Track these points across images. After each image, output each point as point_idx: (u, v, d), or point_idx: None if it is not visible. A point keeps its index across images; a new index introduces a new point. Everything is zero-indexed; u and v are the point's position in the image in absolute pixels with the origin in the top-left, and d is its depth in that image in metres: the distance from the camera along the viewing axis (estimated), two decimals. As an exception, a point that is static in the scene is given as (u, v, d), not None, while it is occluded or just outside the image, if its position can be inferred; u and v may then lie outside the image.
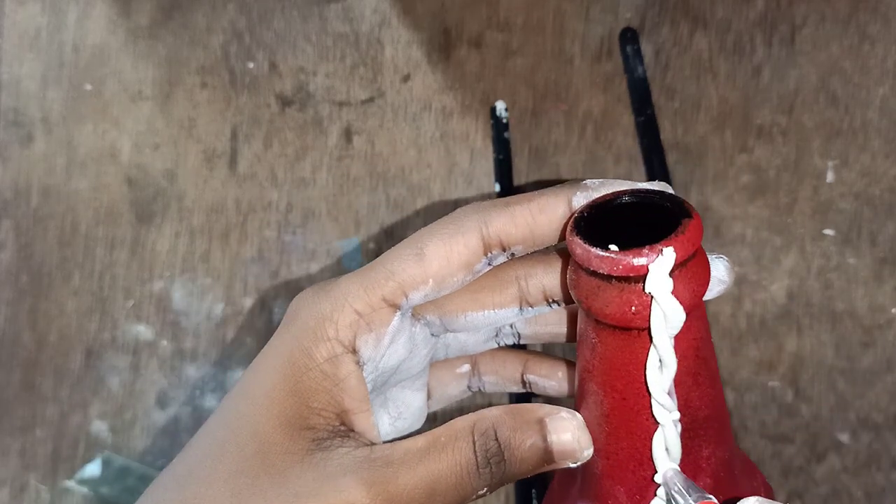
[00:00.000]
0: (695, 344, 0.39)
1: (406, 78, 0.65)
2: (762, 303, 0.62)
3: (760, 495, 0.43)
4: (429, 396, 0.51)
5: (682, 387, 0.40)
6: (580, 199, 0.42)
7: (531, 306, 0.46)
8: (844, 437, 0.61)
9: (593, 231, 0.40)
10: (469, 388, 0.52)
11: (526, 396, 0.58)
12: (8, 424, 0.65)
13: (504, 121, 0.64)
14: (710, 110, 0.63)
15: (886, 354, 0.61)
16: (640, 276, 0.37)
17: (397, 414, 0.50)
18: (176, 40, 0.66)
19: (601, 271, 0.38)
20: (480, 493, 0.42)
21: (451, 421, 0.42)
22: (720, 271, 0.42)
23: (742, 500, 0.39)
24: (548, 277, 0.45)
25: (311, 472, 0.41)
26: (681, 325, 0.38)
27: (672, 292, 0.37)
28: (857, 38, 0.63)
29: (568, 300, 0.45)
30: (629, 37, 0.64)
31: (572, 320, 0.48)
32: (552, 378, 0.50)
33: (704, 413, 0.41)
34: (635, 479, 0.42)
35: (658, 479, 0.41)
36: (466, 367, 0.51)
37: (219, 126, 0.66)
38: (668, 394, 0.39)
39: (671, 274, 0.37)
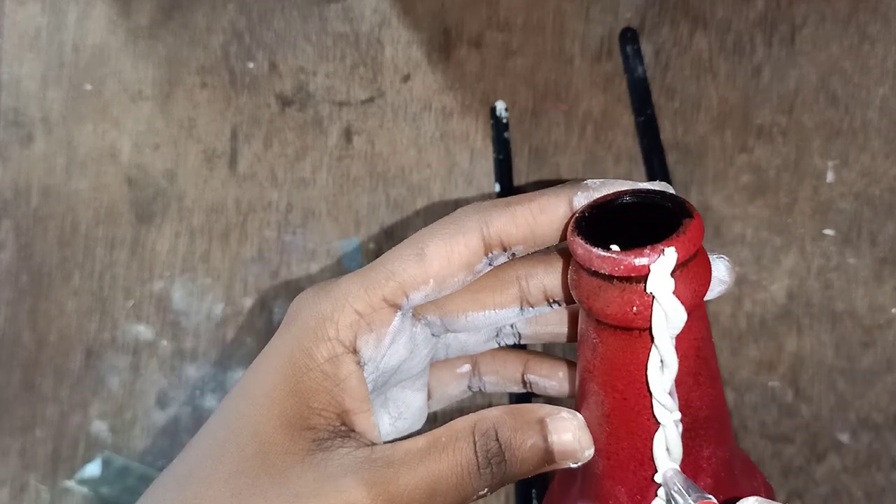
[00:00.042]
0: (696, 344, 0.39)
1: (406, 78, 0.65)
2: (762, 303, 0.62)
3: (761, 495, 0.43)
4: (429, 396, 0.51)
5: (683, 387, 0.40)
6: (581, 199, 0.42)
7: (532, 306, 0.46)
8: (844, 437, 0.61)
9: (594, 231, 0.40)
10: (469, 388, 0.52)
11: (526, 396, 0.58)
12: (8, 424, 0.65)
13: (504, 121, 0.64)
14: (710, 110, 0.63)
15: (886, 354, 0.61)
16: (642, 277, 0.37)
17: (398, 414, 0.50)
18: (176, 40, 0.66)
19: (602, 271, 0.38)
20: (481, 493, 0.42)
21: (452, 421, 0.42)
22: (721, 271, 0.42)
23: (742, 501, 0.39)
24: (548, 277, 0.45)
25: (312, 472, 0.41)
26: (682, 325, 0.38)
27: (673, 292, 0.37)
28: (857, 38, 0.63)
29: (569, 300, 0.45)
30: (629, 37, 0.64)
31: (573, 320, 0.48)
32: (553, 378, 0.50)
33: (705, 413, 0.41)
34: (636, 479, 0.42)
35: (658, 479, 0.41)
36: (467, 367, 0.51)
37: (219, 126, 0.66)
38: (669, 394, 0.39)
39: (672, 274, 0.37)
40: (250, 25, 0.66)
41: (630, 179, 0.43)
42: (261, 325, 0.65)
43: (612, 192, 0.42)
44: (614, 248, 0.38)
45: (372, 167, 0.65)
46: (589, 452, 0.42)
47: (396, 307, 0.44)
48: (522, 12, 0.65)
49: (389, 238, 0.64)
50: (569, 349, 0.59)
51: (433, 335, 0.47)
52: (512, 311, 0.46)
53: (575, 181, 0.43)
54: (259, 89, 0.66)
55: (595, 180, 0.43)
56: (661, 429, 0.40)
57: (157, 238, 0.65)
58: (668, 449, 0.40)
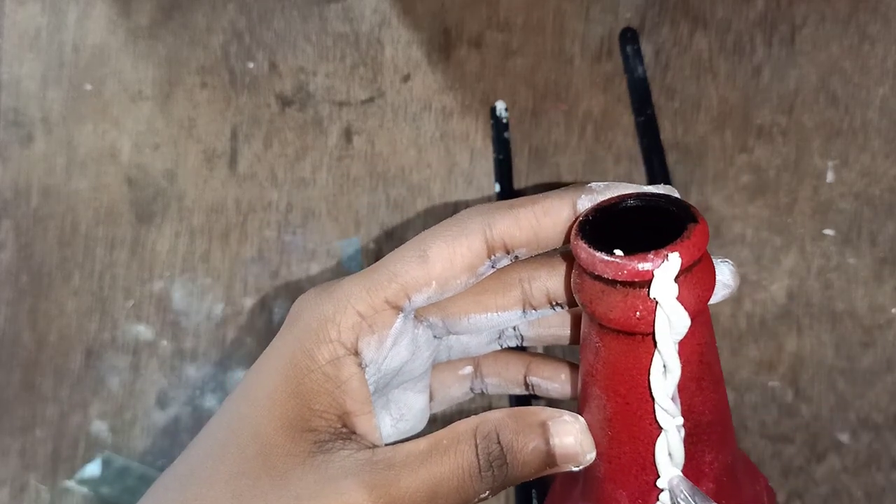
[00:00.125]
0: (699, 349, 0.39)
1: (406, 78, 0.65)
2: (762, 303, 0.62)
3: (763, 500, 0.43)
4: (431, 398, 0.51)
5: (686, 392, 0.40)
6: (585, 203, 0.42)
7: (534, 309, 0.45)
8: (844, 437, 0.61)
9: (598, 235, 0.39)
10: (471, 389, 0.52)
11: (527, 399, 0.58)
12: (8, 424, 0.65)
13: (504, 121, 0.64)
14: (710, 110, 0.63)
15: (886, 354, 0.61)
16: (645, 282, 0.37)
17: (399, 416, 0.50)
18: (176, 40, 0.66)
19: (606, 276, 0.38)
20: (482, 496, 0.41)
21: (454, 424, 0.42)
22: (725, 276, 0.42)
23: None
24: (551, 280, 0.45)
25: (313, 474, 0.41)
26: (685, 330, 0.37)
27: (677, 298, 0.37)
28: (857, 38, 0.63)
29: (571, 303, 0.45)
30: (629, 37, 0.64)
31: (575, 323, 0.48)
32: (555, 380, 0.50)
33: (708, 418, 0.41)
34: (638, 483, 0.42)
35: (660, 484, 0.41)
36: (469, 369, 0.51)
37: (219, 126, 0.66)
38: (672, 399, 0.39)
39: (676, 279, 0.37)
40: (250, 25, 0.66)
41: (630, 179, 0.43)
42: (261, 325, 0.65)
43: (616, 195, 0.42)
44: (618, 252, 0.38)
45: (372, 167, 0.65)
46: (591, 456, 0.42)
47: (398, 309, 0.44)
48: (522, 12, 0.65)
49: (389, 238, 0.64)
50: (569, 351, 0.59)
51: (435, 337, 0.47)
52: (514, 313, 0.46)
53: (579, 184, 0.43)
54: (259, 89, 0.66)
55: (599, 183, 0.42)
56: (663, 433, 0.40)
57: (157, 238, 0.65)
58: (670, 454, 0.40)
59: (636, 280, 0.37)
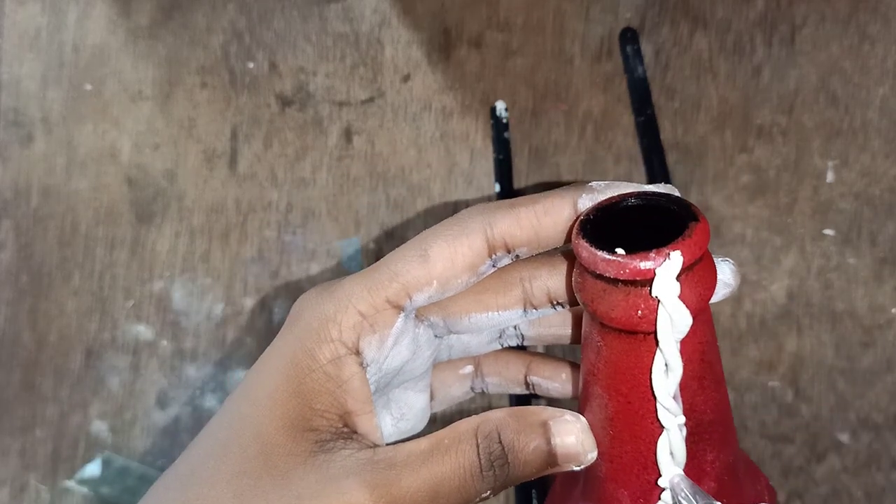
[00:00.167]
0: (700, 348, 0.39)
1: (406, 78, 0.65)
2: (762, 303, 0.62)
3: (764, 499, 0.43)
4: (431, 397, 0.51)
5: (688, 391, 0.40)
6: (586, 202, 0.42)
7: (535, 308, 0.45)
8: (844, 437, 0.61)
9: (599, 234, 0.40)
10: (472, 389, 0.52)
11: (527, 398, 0.58)
12: (8, 424, 0.65)
13: (504, 121, 0.64)
14: (710, 110, 0.63)
15: (886, 354, 0.61)
16: (647, 280, 0.37)
17: (400, 415, 0.50)
18: (176, 40, 0.66)
19: (607, 275, 0.38)
20: (484, 495, 0.41)
21: (455, 423, 0.42)
22: (726, 275, 0.42)
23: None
24: (552, 280, 0.45)
25: (314, 473, 0.41)
26: (687, 329, 0.37)
27: (679, 296, 0.37)
28: (857, 38, 0.63)
29: (572, 302, 0.45)
30: (629, 37, 0.64)
31: (576, 322, 0.48)
32: (556, 380, 0.50)
33: (709, 417, 0.41)
34: (639, 482, 0.42)
35: (662, 483, 0.41)
36: (469, 369, 0.51)
37: (219, 126, 0.66)
38: (674, 398, 0.39)
39: (678, 278, 0.37)
40: (250, 25, 0.66)
41: (630, 179, 0.43)
42: (261, 325, 0.65)
43: (617, 194, 0.42)
44: (619, 251, 0.38)
45: (372, 167, 0.65)
46: (592, 455, 0.42)
47: (399, 308, 0.44)
48: (522, 12, 0.65)
49: (389, 238, 0.64)
50: (570, 350, 0.59)
51: (436, 336, 0.47)
52: (515, 312, 0.46)
53: (579, 183, 0.43)
54: (259, 89, 0.66)
55: (600, 182, 0.42)
56: (664, 433, 0.40)
57: (157, 238, 0.65)
58: (671, 453, 0.40)
59: (638, 279, 0.37)
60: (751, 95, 0.63)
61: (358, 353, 0.43)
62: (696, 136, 0.63)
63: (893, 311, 0.62)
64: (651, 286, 0.37)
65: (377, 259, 0.45)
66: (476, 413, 0.42)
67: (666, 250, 0.37)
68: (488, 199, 0.64)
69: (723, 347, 0.62)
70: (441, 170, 0.65)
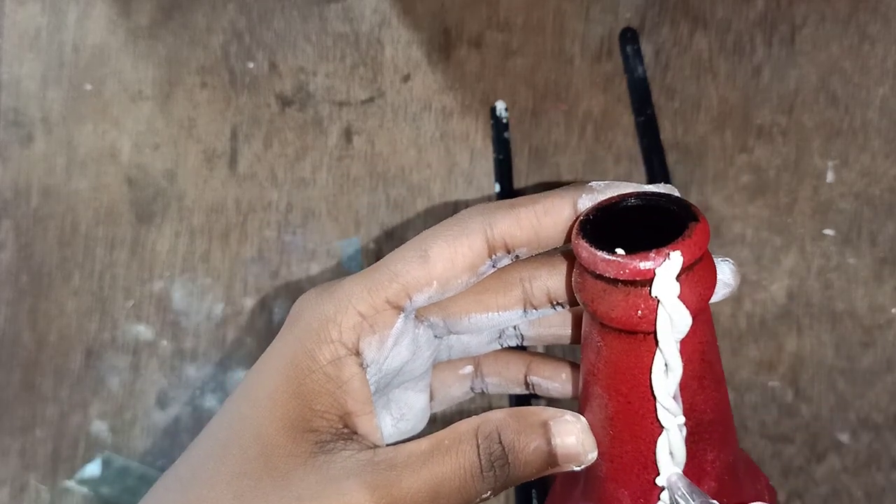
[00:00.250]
0: (700, 348, 0.39)
1: (406, 78, 0.65)
2: (762, 303, 0.62)
3: (764, 499, 0.43)
4: (431, 398, 0.51)
5: (688, 391, 0.40)
6: (586, 202, 0.42)
7: (535, 308, 0.45)
8: (844, 437, 0.61)
9: (599, 234, 0.39)
10: (472, 389, 0.52)
11: (527, 398, 0.58)
12: (8, 424, 0.65)
13: (504, 121, 0.64)
14: (710, 110, 0.63)
15: (886, 354, 0.61)
16: (647, 280, 0.37)
17: (400, 415, 0.50)
18: (176, 40, 0.66)
19: (607, 275, 0.38)
20: (484, 496, 0.41)
21: (455, 424, 0.42)
22: (726, 275, 0.42)
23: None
24: (552, 280, 0.45)
25: (314, 474, 0.41)
26: (687, 329, 0.37)
27: (678, 296, 0.37)
28: (857, 38, 0.63)
29: (572, 302, 0.45)
30: (629, 37, 0.64)
31: (576, 322, 0.48)
32: (555, 380, 0.50)
33: (709, 417, 0.41)
34: (639, 482, 0.41)
35: (662, 482, 0.41)
36: (469, 369, 0.51)
37: (219, 126, 0.66)
38: (674, 398, 0.39)
39: (678, 278, 0.37)
40: (250, 25, 0.66)
41: (630, 179, 0.43)
42: (261, 325, 0.65)
43: (617, 194, 0.42)
44: (619, 251, 0.38)
45: (372, 167, 0.65)
46: (592, 456, 0.42)
47: (399, 309, 0.44)
48: (522, 12, 0.65)
49: (389, 238, 0.64)
50: (570, 351, 0.59)
51: (436, 337, 0.47)
52: (515, 313, 0.46)
53: (579, 183, 0.43)
54: (259, 89, 0.66)
55: (600, 182, 0.42)
56: (664, 432, 0.40)
57: (157, 238, 0.65)
58: (671, 453, 0.40)
59: (638, 279, 0.37)
60: (751, 95, 0.63)
61: (358, 353, 0.43)
62: (696, 136, 0.63)
63: (893, 311, 0.62)
64: (651, 286, 0.37)
65: (377, 259, 0.45)
66: (476, 413, 0.42)
67: (666, 250, 0.37)
68: (488, 199, 0.64)
69: (723, 347, 0.62)
70: (441, 170, 0.65)
